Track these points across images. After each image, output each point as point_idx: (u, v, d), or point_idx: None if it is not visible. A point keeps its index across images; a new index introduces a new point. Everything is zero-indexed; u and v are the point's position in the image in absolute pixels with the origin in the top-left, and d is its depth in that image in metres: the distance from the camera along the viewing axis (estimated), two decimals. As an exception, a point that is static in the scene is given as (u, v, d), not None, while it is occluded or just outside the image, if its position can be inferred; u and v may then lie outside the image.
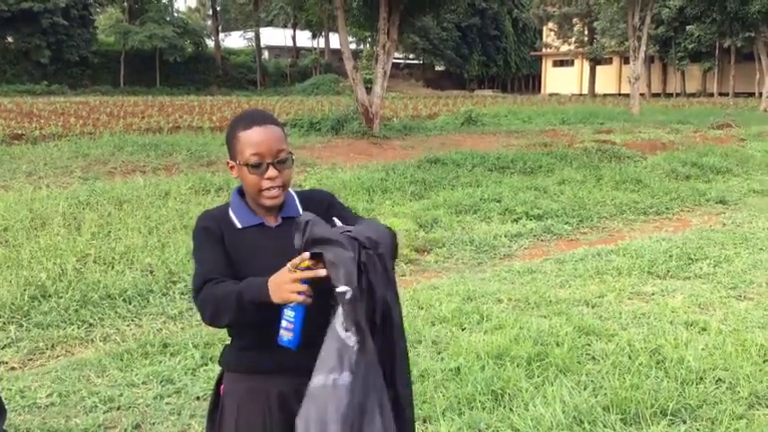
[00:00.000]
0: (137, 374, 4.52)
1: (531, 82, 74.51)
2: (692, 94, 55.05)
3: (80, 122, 20.78)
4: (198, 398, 4.19)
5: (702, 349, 4.73)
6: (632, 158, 14.90)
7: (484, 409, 3.94)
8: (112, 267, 6.55)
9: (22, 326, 5.38)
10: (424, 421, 3.85)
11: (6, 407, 3.59)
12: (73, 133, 17.16)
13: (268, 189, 2.08)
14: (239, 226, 2.14)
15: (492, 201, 10.25)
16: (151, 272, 6.54)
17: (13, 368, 4.77)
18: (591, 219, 9.88)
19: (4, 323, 5.40)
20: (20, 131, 17.58)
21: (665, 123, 23.10)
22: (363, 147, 16.13)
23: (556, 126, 22.94)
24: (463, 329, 5.26)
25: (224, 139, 2.21)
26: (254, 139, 2.07)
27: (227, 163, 2.18)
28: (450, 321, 5.39)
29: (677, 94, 55.74)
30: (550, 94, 58.28)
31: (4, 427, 3.33)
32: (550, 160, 13.87)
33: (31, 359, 4.92)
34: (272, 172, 2.07)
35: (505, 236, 8.72)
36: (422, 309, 5.74)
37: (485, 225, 9.31)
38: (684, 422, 3.82)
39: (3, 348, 5.05)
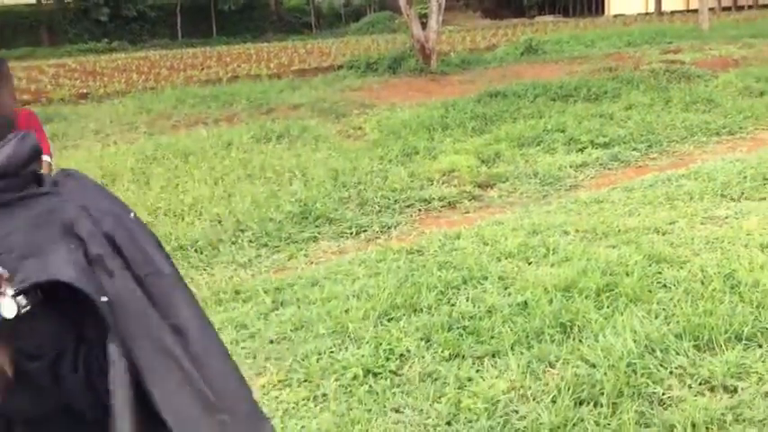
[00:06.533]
0: (212, 321, 4.67)
1: (595, 3, 71.68)
2: (765, 6, 52.15)
3: (142, 78, 21.15)
4: (271, 341, 4.32)
5: (779, 272, 4.58)
6: (702, 77, 14.27)
7: (553, 341, 3.93)
8: (182, 219, 6.74)
9: (101, 279, 5.60)
10: (493, 356, 3.87)
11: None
12: (136, 89, 17.55)
13: None
14: None
15: (556, 131, 10.02)
16: (219, 222, 6.70)
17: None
18: (660, 143, 9.57)
19: (85, 277, 5.63)
20: (85, 90, 18.07)
21: (736, 38, 21.97)
22: (421, 84, 15.94)
23: (621, 49, 22.10)
24: (529, 263, 5.22)
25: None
26: None
27: None
28: (515, 256, 5.35)
29: (749, 7, 52.86)
30: (615, 16, 56.05)
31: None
32: (616, 85, 13.42)
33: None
34: None
35: (570, 166, 8.54)
36: (487, 245, 5.70)
37: (549, 157, 9.13)
38: (760, 346, 3.74)
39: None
